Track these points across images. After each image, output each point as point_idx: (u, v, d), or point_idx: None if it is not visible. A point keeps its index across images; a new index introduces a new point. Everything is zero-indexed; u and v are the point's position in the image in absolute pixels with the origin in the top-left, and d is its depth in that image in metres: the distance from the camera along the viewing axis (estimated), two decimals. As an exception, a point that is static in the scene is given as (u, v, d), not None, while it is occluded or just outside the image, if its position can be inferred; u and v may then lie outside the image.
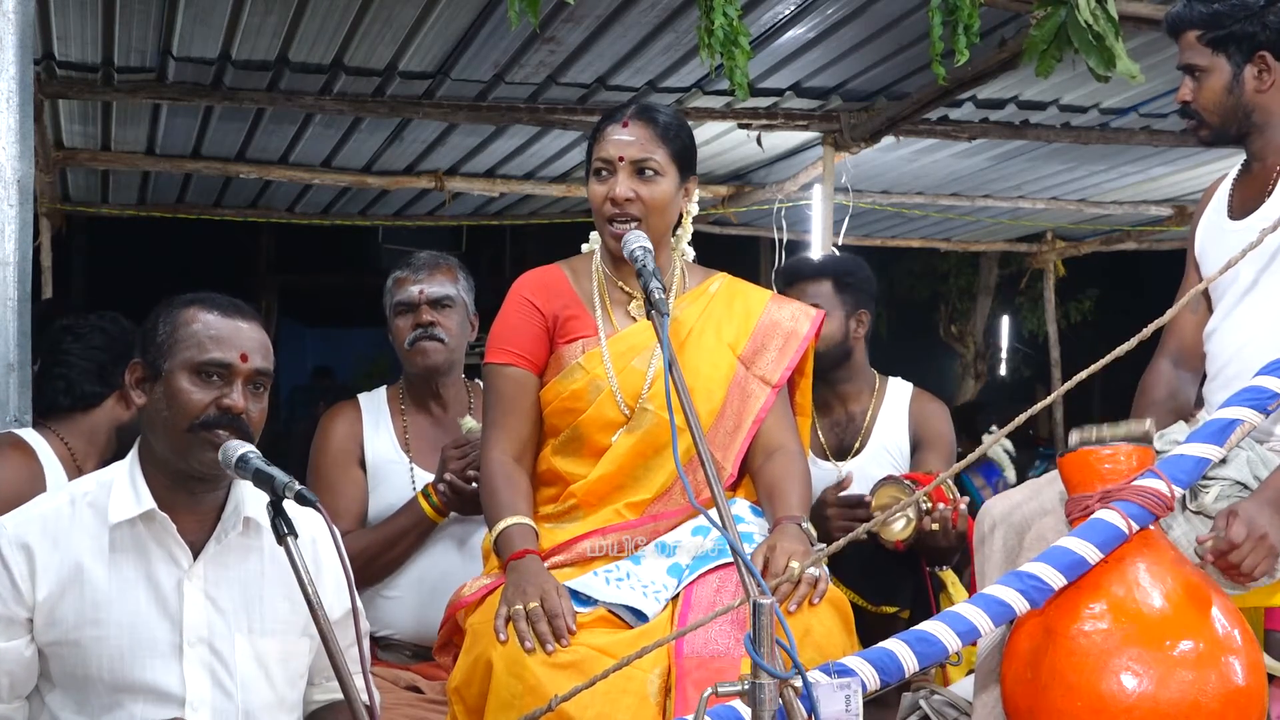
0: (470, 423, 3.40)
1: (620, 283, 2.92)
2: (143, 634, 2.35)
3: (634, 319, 2.89)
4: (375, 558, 3.37)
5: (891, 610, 3.61)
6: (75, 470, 3.22)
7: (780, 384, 2.91)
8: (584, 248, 3.03)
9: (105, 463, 3.32)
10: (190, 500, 2.41)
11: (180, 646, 2.36)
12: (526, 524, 2.75)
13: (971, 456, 2.60)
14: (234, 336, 2.38)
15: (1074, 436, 2.61)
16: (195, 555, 2.40)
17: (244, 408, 2.36)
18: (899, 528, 3.51)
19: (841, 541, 2.60)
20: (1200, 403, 2.99)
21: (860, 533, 2.66)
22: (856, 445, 3.99)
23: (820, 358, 3.84)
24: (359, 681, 2.26)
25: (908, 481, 3.54)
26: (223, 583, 2.41)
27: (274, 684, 2.44)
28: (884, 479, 3.59)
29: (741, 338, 2.92)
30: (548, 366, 2.89)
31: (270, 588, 2.44)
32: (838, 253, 6.64)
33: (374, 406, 3.59)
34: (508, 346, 2.90)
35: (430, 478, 3.40)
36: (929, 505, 3.47)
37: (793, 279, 4.01)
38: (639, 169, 2.81)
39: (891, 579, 3.62)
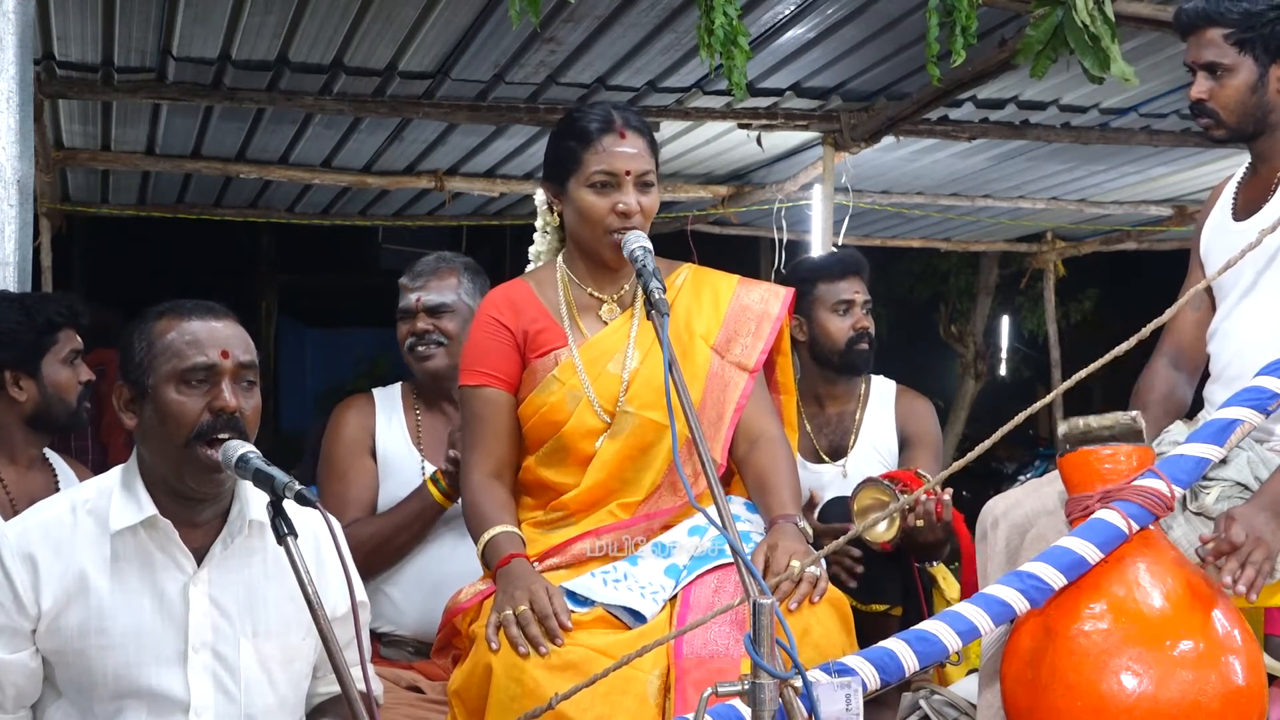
0: None
1: (590, 289, 2.91)
2: (147, 641, 2.34)
3: (604, 322, 2.90)
4: (383, 544, 3.39)
5: (882, 608, 3.60)
6: (4, 493, 3.12)
7: (757, 368, 2.90)
8: (532, 252, 3.04)
9: (35, 460, 3.30)
10: (191, 510, 2.40)
11: (185, 652, 2.35)
12: (511, 531, 2.76)
13: (966, 459, 2.61)
14: (211, 337, 2.36)
15: (1062, 428, 2.61)
16: (199, 560, 2.40)
17: (236, 405, 2.34)
18: (883, 529, 3.47)
19: (826, 550, 2.59)
20: (1201, 403, 2.99)
21: (844, 541, 2.65)
22: (848, 445, 3.99)
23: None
24: (358, 672, 2.26)
25: (887, 482, 3.51)
26: (228, 586, 2.41)
27: (277, 687, 2.43)
28: (864, 481, 3.56)
29: (713, 327, 2.91)
30: (522, 382, 2.89)
31: (274, 589, 2.43)
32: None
33: (388, 401, 3.61)
34: (480, 368, 2.89)
35: None
36: (911, 502, 3.44)
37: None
38: (640, 181, 2.82)
39: (879, 576, 3.59)
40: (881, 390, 4.06)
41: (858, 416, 4.01)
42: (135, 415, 2.38)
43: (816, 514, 3.75)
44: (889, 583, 3.62)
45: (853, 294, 3.94)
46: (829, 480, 3.91)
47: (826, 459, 3.98)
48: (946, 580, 3.70)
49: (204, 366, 2.34)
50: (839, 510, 3.63)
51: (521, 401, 2.88)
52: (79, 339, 3.31)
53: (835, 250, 4.14)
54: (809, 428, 4.00)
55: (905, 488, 3.44)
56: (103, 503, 2.39)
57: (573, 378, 2.84)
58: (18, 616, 2.32)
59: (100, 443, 5.48)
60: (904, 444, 4.00)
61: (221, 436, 2.31)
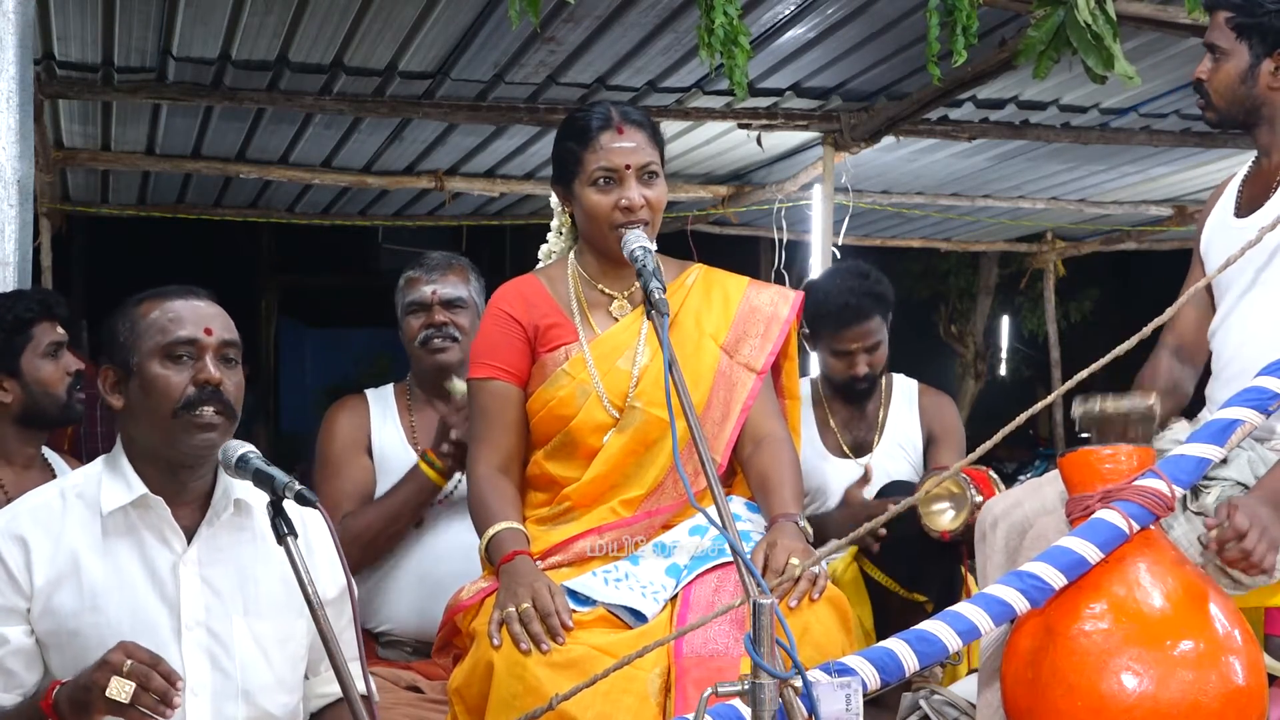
0: (459, 385, 3.38)
1: (601, 285, 2.92)
2: (141, 619, 2.35)
3: (615, 319, 2.90)
4: (381, 532, 3.39)
5: (921, 599, 3.64)
6: (2, 494, 3.11)
7: (765, 370, 2.90)
8: (543, 251, 3.05)
9: (33, 459, 3.29)
10: (180, 487, 2.42)
11: (178, 630, 2.37)
12: (515, 528, 2.76)
13: (969, 458, 2.61)
14: (194, 314, 2.41)
15: (1077, 407, 2.61)
16: (189, 540, 2.42)
17: (219, 379, 2.38)
18: (948, 519, 3.51)
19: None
20: (1203, 401, 2.99)
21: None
22: (872, 441, 4.04)
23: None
24: (355, 668, 2.27)
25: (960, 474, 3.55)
26: (217, 565, 2.42)
27: (273, 665, 2.44)
28: (932, 470, 3.61)
29: (722, 327, 2.92)
30: (531, 376, 2.89)
31: (264, 569, 2.45)
32: (837, 253, 6.67)
33: (381, 401, 3.61)
34: (489, 361, 2.90)
35: None
36: (979, 498, 3.45)
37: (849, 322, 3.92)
38: (642, 174, 2.82)
39: (927, 568, 3.64)
40: (904, 388, 4.12)
41: (881, 414, 4.07)
42: (122, 396, 2.42)
43: (872, 494, 3.80)
44: (933, 576, 3.66)
45: (853, 344, 3.90)
46: (850, 476, 3.94)
47: (850, 454, 4.03)
48: (975, 588, 3.72)
49: (187, 340, 2.38)
50: (899, 493, 3.66)
51: (530, 395, 2.89)
52: (60, 330, 3.30)
53: (853, 279, 3.98)
54: (833, 423, 4.06)
55: (973, 482, 3.48)
56: (91, 487, 2.42)
57: (582, 372, 2.84)
58: (13, 595, 2.33)
59: None
60: (930, 441, 4.06)
61: (207, 409, 2.35)
